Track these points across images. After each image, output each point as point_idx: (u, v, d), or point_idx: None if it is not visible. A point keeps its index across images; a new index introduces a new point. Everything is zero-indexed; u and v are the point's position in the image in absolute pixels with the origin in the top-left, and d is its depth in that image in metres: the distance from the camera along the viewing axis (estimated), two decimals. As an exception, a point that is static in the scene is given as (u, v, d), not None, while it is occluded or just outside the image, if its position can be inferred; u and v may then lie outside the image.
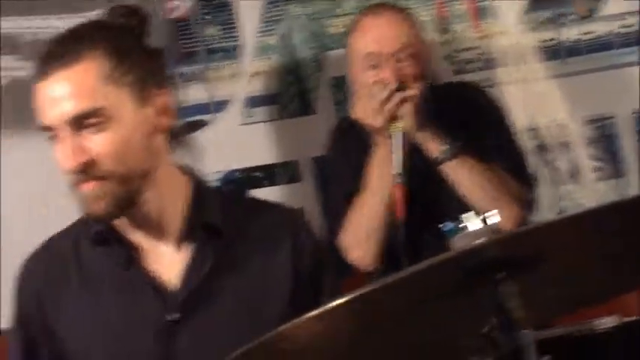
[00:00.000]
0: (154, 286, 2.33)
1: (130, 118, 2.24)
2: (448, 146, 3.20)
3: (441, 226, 1.80)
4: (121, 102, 2.23)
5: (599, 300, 2.14)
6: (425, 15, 3.94)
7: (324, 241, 3.25)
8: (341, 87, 3.97)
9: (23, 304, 2.43)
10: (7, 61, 3.89)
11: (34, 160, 3.61)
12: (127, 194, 2.25)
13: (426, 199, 3.27)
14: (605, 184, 3.85)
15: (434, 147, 3.22)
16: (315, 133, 3.97)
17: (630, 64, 4.03)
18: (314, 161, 3.99)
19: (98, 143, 2.20)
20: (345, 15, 4.01)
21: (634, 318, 2.88)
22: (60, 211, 2.57)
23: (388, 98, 3.18)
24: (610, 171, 3.99)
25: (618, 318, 2.87)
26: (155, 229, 2.35)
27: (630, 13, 4.01)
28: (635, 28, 4.00)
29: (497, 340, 1.78)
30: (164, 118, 2.31)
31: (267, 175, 4.02)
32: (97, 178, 2.21)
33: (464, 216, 1.77)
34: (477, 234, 1.76)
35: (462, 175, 3.22)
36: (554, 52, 4.03)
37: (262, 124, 4.03)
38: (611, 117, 4.02)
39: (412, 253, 3.21)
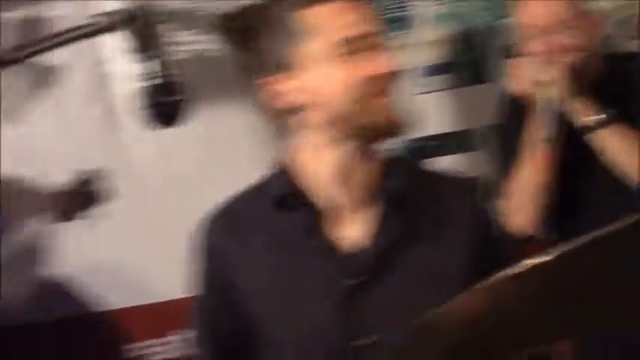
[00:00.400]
0: (336, 251, 2.29)
1: None
2: (602, 114, 3.12)
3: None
4: None
5: None
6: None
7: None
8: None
9: (206, 259, 2.41)
10: (185, 36, 3.88)
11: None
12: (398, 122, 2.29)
13: (576, 166, 3.22)
14: None
15: (585, 115, 3.13)
16: (490, 102, 3.87)
17: None
18: (488, 130, 3.87)
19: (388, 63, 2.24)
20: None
21: None
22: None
23: (540, 68, 3.16)
24: None
25: None
26: (351, 188, 2.29)
27: None
28: None
29: None
30: None
31: (442, 144, 3.97)
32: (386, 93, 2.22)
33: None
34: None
35: (614, 144, 3.12)
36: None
37: (437, 93, 3.97)
38: None
39: (569, 218, 3.21)
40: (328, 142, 2.26)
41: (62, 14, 3.62)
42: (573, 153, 3.20)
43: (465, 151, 3.94)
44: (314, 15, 2.23)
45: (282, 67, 2.25)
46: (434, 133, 3.95)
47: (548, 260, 1.56)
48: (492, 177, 3.48)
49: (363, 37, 2.21)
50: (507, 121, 3.45)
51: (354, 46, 2.20)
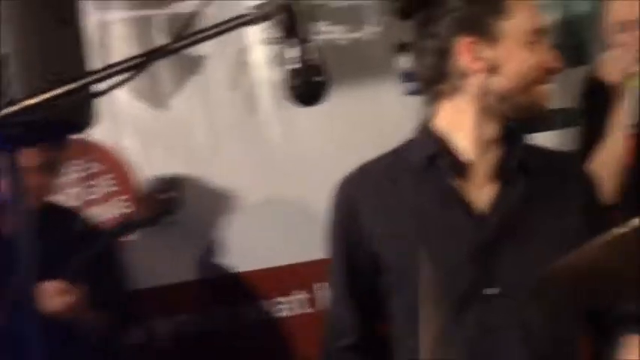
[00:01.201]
0: (472, 208, 2.35)
1: None
2: None
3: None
4: None
5: None
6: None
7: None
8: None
9: (341, 216, 2.48)
10: (322, 26, 3.91)
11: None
12: None
13: None
14: None
15: None
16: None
17: None
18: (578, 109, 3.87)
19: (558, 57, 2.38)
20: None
21: None
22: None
23: (629, 60, 3.18)
24: None
25: None
26: (489, 155, 2.38)
27: None
28: None
29: None
30: None
31: (544, 120, 3.88)
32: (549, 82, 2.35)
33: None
34: None
35: None
36: None
37: None
38: None
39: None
40: (482, 112, 2.33)
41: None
42: None
43: (564, 127, 3.90)
44: (515, 4, 2.33)
45: (480, 32, 2.32)
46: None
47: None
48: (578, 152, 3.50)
49: (547, 31, 2.36)
50: (595, 104, 3.45)
51: (541, 37, 2.32)
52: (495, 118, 2.35)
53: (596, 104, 3.39)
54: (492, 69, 2.32)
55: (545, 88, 2.34)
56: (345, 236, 2.47)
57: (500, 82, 2.32)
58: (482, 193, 2.37)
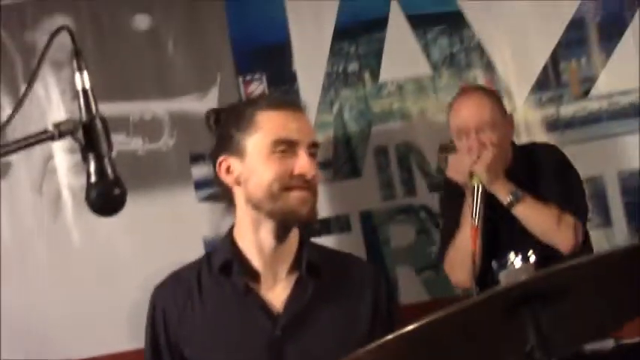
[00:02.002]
0: (265, 309, 2.39)
1: None
2: (515, 194, 3.28)
3: (492, 263, 1.80)
4: None
5: (619, 326, 2.11)
6: (452, 94, 3.96)
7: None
8: (383, 155, 3.99)
9: (153, 323, 2.48)
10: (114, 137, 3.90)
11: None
12: (316, 212, 2.42)
13: (497, 235, 3.35)
14: (596, 232, 3.79)
15: (504, 195, 3.29)
16: (362, 192, 4.01)
17: (616, 135, 4.01)
18: (361, 215, 3.99)
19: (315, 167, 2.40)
20: (387, 96, 4.04)
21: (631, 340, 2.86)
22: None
23: (466, 161, 3.30)
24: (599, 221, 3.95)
25: (615, 341, 2.85)
26: (277, 258, 2.41)
27: (619, 93, 4.00)
28: (623, 104, 4.00)
29: (535, 358, 1.75)
30: None
31: (324, 226, 3.99)
32: (312, 191, 2.36)
33: (509, 256, 1.76)
34: (518, 271, 1.75)
35: (527, 214, 3.29)
36: (554, 125, 4.02)
37: (320, 184, 3.98)
38: (600, 177, 3.98)
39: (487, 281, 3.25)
40: (256, 219, 2.36)
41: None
42: (500, 223, 3.35)
43: (341, 232, 4.00)
44: (262, 116, 2.36)
45: (231, 149, 2.38)
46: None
47: (418, 326, 1.65)
48: (439, 244, 3.64)
49: (295, 142, 2.34)
50: (448, 201, 3.58)
51: (285, 147, 2.33)
52: (268, 225, 2.38)
53: (451, 202, 3.49)
54: (242, 182, 2.37)
55: (297, 195, 2.34)
56: (156, 344, 2.47)
57: (251, 193, 2.37)
58: (276, 294, 2.41)
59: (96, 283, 3.87)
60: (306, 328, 2.37)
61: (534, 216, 3.30)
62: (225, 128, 2.41)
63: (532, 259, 1.76)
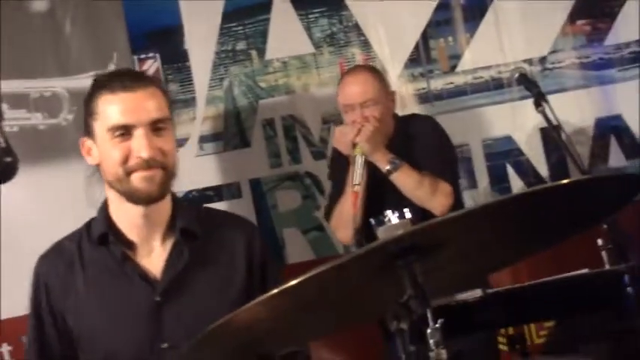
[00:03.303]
0: (143, 276, 2.27)
1: (173, 132, 2.27)
2: (393, 162, 3.28)
3: (370, 220, 1.74)
4: (169, 119, 2.25)
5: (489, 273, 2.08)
6: (332, 71, 3.92)
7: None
8: (270, 126, 3.92)
9: (35, 294, 2.34)
10: (16, 113, 3.75)
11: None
12: (168, 186, 2.25)
13: (381, 199, 3.31)
14: (463, 194, 3.79)
15: (383, 164, 3.29)
16: (252, 161, 3.94)
17: (480, 106, 4.02)
18: (250, 182, 3.91)
19: (164, 142, 2.20)
20: (273, 73, 3.96)
21: (496, 289, 2.86)
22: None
23: (349, 134, 3.29)
24: (466, 184, 3.97)
25: (482, 290, 2.85)
26: (151, 227, 2.27)
27: (482, 68, 4.01)
28: (486, 78, 4.00)
29: (411, 308, 1.70)
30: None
31: (216, 193, 3.92)
32: (158, 167, 2.19)
33: (386, 212, 1.71)
34: (394, 227, 1.70)
35: (404, 181, 3.29)
36: (425, 97, 4.00)
37: (212, 155, 3.94)
38: (467, 144, 3.99)
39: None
40: (117, 195, 2.25)
41: None
42: (380, 189, 3.32)
43: (232, 198, 3.91)
44: (100, 101, 2.22)
45: (88, 132, 2.25)
46: (210, 185, 3.92)
47: (299, 281, 1.59)
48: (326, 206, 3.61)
49: (130, 125, 2.18)
50: (335, 168, 3.56)
51: (122, 131, 2.18)
52: (131, 200, 2.24)
53: (338, 169, 3.48)
54: (99, 163, 2.25)
55: (139, 176, 2.19)
56: (38, 313, 2.32)
57: (105, 174, 2.25)
58: (154, 260, 2.28)
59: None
60: (185, 292, 2.25)
61: (411, 183, 3.28)
62: (84, 111, 2.29)
63: (407, 215, 1.71)
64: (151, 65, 3.90)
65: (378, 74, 3.47)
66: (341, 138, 3.36)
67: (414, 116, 3.62)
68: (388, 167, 3.28)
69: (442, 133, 3.46)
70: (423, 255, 1.69)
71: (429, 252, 1.69)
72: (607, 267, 2.86)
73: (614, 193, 1.74)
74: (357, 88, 3.34)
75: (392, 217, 1.70)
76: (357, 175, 3.20)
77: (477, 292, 2.84)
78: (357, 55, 3.97)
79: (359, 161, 3.23)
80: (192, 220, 2.31)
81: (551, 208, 1.67)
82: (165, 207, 2.29)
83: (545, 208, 1.67)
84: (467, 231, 1.67)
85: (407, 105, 3.95)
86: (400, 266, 1.68)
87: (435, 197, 3.27)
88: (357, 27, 3.99)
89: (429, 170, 3.32)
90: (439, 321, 1.72)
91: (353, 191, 3.18)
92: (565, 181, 1.60)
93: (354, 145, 3.26)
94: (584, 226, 1.91)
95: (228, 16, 3.94)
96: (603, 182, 1.78)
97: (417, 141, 3.41)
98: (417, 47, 4.01)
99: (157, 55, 3.92)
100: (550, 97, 3.41)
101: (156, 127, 2.20)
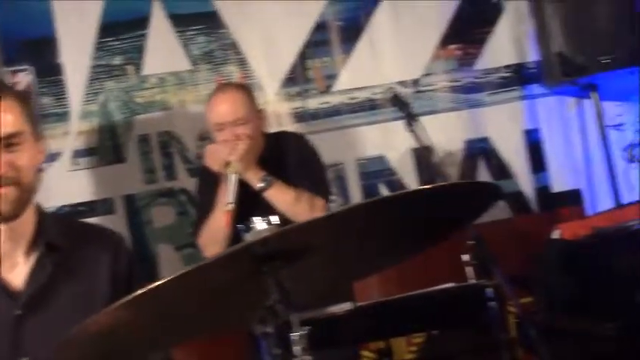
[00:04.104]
0: (5, 290, 2.20)
1: (32, 146, 2.18)
2: (265, 180, 3.30)
3: (238, 226, 1.77)
4: (29, 133, 2.16)
5: (354, 280, 2.11)
6: (209, 88, 3.94)
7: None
8: (146, 142, 3.91)
9: None
10: None
11: None
12: (25, 203, 2.17)
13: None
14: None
15: (256, 181, 3.31)
16: (126, 176, 3.91)
17: (354, 126, 4.11)
18: (125, 198, 3.89)
19: (18, 157, 2.13)
20: (149, 88, 3.95)
21: (365, 303, 2.92)
22: None
23: (223, 152, 3.29)
24: (341, 202, 4.03)
25: (352, 304, 2.90)
26: (14, 241, 2.21)
27: (357, 89, 4.11)
28: (361, 99, 4.10)
29: (277, 312, 1.74)
30: (42, 155, 2.23)
31: (89, 208, 3.87)
32: (9, 185, 2.12)
33: (253, 219, 1.73)
34: (262, 232, 1.73)
35: (278, 198, 3.31)
36: (301, 116, 4.07)
37: (86, 170, 3.90)
38: (341, 163, 4.07)
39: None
40: None
41: None
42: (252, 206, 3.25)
43: (106, 214, 3.88)
44: None
45: None
46: (83, 201, 3.87)
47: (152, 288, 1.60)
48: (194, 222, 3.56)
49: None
50: (204, 186, 3.51)
51: None
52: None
53: (207, 187, 3.44)
54: None
55: None
56: None
57: None
58: (17, 274, 2.22)
59: None
60: (48, 305, 2.19)
61: (286, 199, 3.31)
62: None
63: (274, 220, 1.74)
64: (24, 78, 3.84)
65: (247, 92, 3.47)
66: (213, 156, 3.35)
67: (283, 133, 3.65)
68: (261, 185, 3.30)
69: (313, 149, 3.50)
70: (288, 260, 1.72)
71: (294, 257, 1.73)
72: (471, 281, 2.96)
73: (473, 201, 1.82)
74: (227, 107, 3.34)
75: (259, 223, 1.72)
76: (230, 194, 3.19)
77: (346, 306, 2.90)
78: (235, 73, 4.00)
79: (232, 180, 3.22)
80: (57, 234, 2.26)
81: (413, 214, 1.73)
82: (28, 221, 2.23)
83: (408, 215, 1.73)
84: (331, 236, 1.71)
85: (283, 123, 4.00)
86: (265, 271, 1.71)
87: (310, 213, 3.29)
88: (235, 45, 4.02)
89: (303, 186, 3.36)
90: (305, 328, 1.74)
91: (227, 210, 3.17)
92: (425, 187, 1.66)
93: (227, 164, 3.26)
94: (445, 233, 1.97)
95: (104, 30, 3.90)
96: (461, 188, 1.85)
97: (290, 158, 3.44)
98: (293, 67, 4.06)
99: (31, 68, 3.86)
100: (422, 119, 3.49)
101: (8, 142, 2.14)
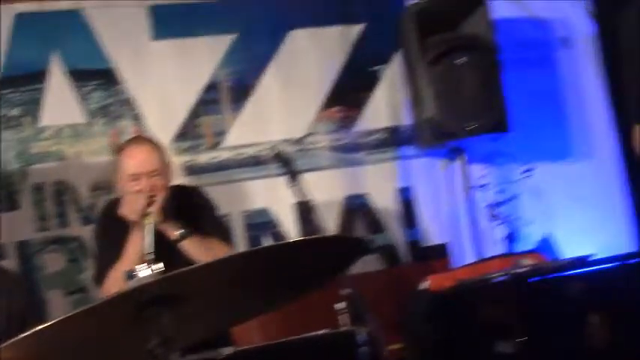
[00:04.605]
0: None
1: None
2: (181, 231, 3.32)
3: (122, 274, 1.80)
4: None
5: (233, 325, 2.14)
6: (104, 141, 3.96)
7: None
8: (40, 191, 3.89)
9: None
10: None
11: None
12: None
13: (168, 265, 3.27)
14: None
15: (172, 232, 3.32)
16: (19, 223, 3.89)
17: (242, 180, 4.18)
18: (17, 244, 3.87)
19: None
20: (46, 139, 3.96)
21: (244, 347, 2.96)
22: None
23: (142, 203, 3.27)
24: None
25: (232, 348, 2.93)
26: None
27: (244, 146, 4.18)
28: (247, 155, 4.18)
29: (157, 356, 1.77)
30: None
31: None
32: None
33: (137, 267, 1.77)
34: (145, 279, 1.76)
35: (193, 248, 3.32)
36: (192, 170, 4.12)
37: None
38: (229, 214, 4.11)
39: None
40: None
41: None
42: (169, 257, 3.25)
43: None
44: None
45: None
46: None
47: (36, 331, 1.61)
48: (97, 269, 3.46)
49: None
50: (108, 233, 3.46)
51: None
52: None
53: (111, 234, 3.40)
54: None
55: None
56: None
57: None
58: None
59: None
60: None
61: (200, 249, 3.32)
62: None
63: (159, 267, 1.78)
64: None
65: (159, 146, 3.51)
66: (131, 206, 3.32)
67: (183, 186, 3.70)
68: (178, 235, 3.32)
69: (211, 200, 3.57)
70: (169, 306, 1.76)
71: (175, 303, 1.77)
72: (344, 328, 3.03)
73: (342, 253, 1.90)
74: (143, 158, 3.35)
75: (143, 270, 1.76)
76: (149, 244, 3.19)
77: (227, 350, 2.92)
78: (129, 127, 4.04)
79: (150, 230, 3.22)
80: None
81: (287, 264, 1.80)
82: None
83: (283, 265, 1.80)
84: (209, 283, 1.77)
85: (175, 177, 4.02)
86: (148, 316, 1.75)
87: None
88: (130, 101, 4.07)
89: (214, 236, 3.40)
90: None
91: (143, 259, 3.13)
92: (292, 240, 1.74)
93: (146, 214, 3.26)
94: (319, 282, 2.05)
95: (2, 83, 3.91)
96: (328, 241, 1.94)
97: (198, 209, 3.48)
98: (185, 123, 4.14)
99: None
100: (305, 175, 3.60)
101: None
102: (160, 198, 3.30)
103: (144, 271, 1.77)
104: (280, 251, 1.82)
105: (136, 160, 3.36)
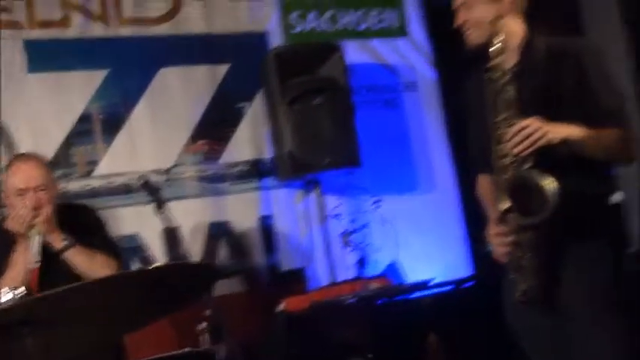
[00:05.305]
0: None
1: None
2: (65, 242, 3.30)
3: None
4: None
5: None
6: None
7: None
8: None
9: None
10: None
11: None
12: None
13: (53, 275, 3.28)
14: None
15: (58, 243, 3.31)
16: None
17: (113, 207, 4.14)
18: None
19: None
20: None
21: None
22: None
23: (28, 215, 3.25)
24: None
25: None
26: None
27: (115, 174, 4.15)
28: (118, 183, 4.14)
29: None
30: None
31: None
32: None
33: (2, 291, 1.75)
34: (7, 303, 1.75)
35: (77, 259, 3.32)
36: (64, 197, 4.03)
37: None
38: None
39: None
40: None
41: None
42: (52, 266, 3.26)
43: None
44: None
45: None
46: None
47: None
48: None
49: None
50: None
51: None
52: None
53: (2, 247, 3.33)
54: None
55: None
56: None
57: None
58: None
59: None
60: None
61: (84, 260, 3.31)
62: None
63: (19, 292, 1.76)
64: None
65: (45, 163, 3.53)
66: (17, 219, 3.29)
67: (74, 205, 3.70)
68: (63, 245, 3.31)
69: (101, 218, 3.57)
70: (35, 327, 1.75)
71: (41, 325, 1.76)
72: (205, 347, 3.06)
73: (199, 278, 1.93)
74: (30, 174, 3.34)
75: (5, 294, 1.74)
76: (36, 254, 3.19)
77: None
78: (2, 155, 3.95)
79: (36, 240, 3.23)
80: None
81: (144, 290, 1.82)
82: None
83: (140, 290, 1.81)
84: (72, 307, 1.77)
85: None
86: (11, 338, 1.73)
87: (106, 271, 3.31)
88: (4, 131, 4.00)
89: (103, 251, 3.40)
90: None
91: (34, 268, 3.17)
92: (149, 267, 1.76)
93: (32, 226, 3.26)
94: (179, 304, 2.07)
95: None
96: (188, 267, 1.97)
97: (87, 227, 3.45)
98: (59, 152, 4.11)
99: None
100: (172, 203, 3.63)
101: None
102: (45, 211, 3.31)
103: (5, 295, 1.75)
104: (147, 275, 1.83)
105: (22, 176, 3.37)
